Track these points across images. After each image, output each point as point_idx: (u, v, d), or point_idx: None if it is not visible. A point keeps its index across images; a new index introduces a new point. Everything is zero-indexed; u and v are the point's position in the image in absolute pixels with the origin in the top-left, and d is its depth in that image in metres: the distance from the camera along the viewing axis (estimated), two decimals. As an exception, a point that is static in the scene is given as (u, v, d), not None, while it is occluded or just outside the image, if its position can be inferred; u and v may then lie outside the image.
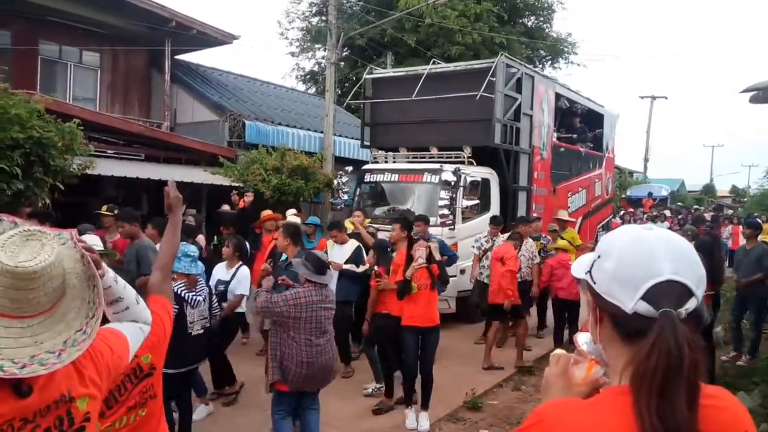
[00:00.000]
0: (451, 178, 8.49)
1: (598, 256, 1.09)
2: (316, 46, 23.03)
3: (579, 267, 1.19)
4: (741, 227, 13.51)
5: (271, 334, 4.26)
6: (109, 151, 10.69)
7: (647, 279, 1.00)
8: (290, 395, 4.15)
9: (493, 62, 9.42)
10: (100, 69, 13.50)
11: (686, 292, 1.01)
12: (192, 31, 13.37)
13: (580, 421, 0.98)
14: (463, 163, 9.15)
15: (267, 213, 7.89)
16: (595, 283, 1.08)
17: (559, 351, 1.31)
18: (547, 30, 24.21)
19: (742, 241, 8.85)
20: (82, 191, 8.73)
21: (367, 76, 11.10)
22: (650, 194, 25.91)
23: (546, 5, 23.56)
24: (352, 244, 6.84)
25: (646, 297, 0.99)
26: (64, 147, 6.65)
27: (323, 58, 20.20)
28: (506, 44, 19.09)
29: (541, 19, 24.13)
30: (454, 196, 8.44)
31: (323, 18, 20.58)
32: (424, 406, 5.32)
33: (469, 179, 8.78)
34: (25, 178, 6.12)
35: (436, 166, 9.00)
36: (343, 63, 18.25)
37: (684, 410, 0.92)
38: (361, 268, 6.62)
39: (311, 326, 4.06)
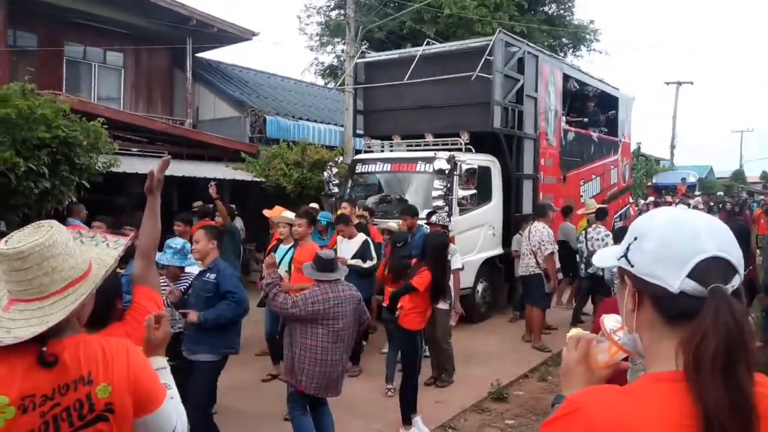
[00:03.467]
0: (445, 166, 7.70)
1: (635, 239, 1.04)
2: (335, 40, 23.00)
3: (605, 256, 1.15)
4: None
5: (287, 335, 4.23)
6: (133, 149, 10.87)
7: (693, 255, 0.96)
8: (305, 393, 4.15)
9: (491, 40, 8.66)
10: (123, 68, 13.71)
11: (731, 269, 0.97)
12: (212, 29, 13.51)
13: (618, 410, 0.93)
14: (460, 150, 8.48)
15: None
16: (633, 266, 1.03)
17: (575, 331, 1.27)
18: (568, 18, 23.80)
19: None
20: (108, 189, 8.87)
21: (359, 61, 10.38)
22: (684, 180, 25.17)
23: (567, -8, 23.15)
24: (360, 238, 6.57)
25: (693, 275, 0.95)
26: (89, 146, 6.77)
27: (342, 52, 20.17)
28: (527, 33, 18.81)
29: (562, 6, 23.73)
30: (449, 185, 7.65)
31: (342, 12, 20.54)
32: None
33: (465, 167, 7.96)
34: (52, 177, 6.25)
35: (430, 154, 8.34)
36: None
37: (751, 390, 0.88)
38: (368, 264, 6.44)
39: (328, 323, 4.04)
